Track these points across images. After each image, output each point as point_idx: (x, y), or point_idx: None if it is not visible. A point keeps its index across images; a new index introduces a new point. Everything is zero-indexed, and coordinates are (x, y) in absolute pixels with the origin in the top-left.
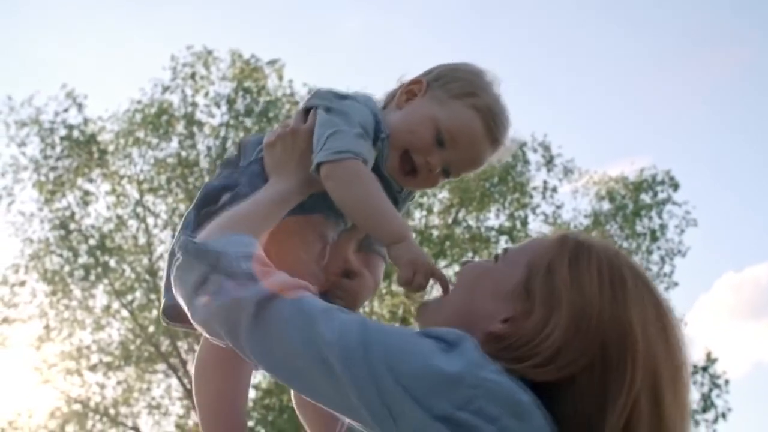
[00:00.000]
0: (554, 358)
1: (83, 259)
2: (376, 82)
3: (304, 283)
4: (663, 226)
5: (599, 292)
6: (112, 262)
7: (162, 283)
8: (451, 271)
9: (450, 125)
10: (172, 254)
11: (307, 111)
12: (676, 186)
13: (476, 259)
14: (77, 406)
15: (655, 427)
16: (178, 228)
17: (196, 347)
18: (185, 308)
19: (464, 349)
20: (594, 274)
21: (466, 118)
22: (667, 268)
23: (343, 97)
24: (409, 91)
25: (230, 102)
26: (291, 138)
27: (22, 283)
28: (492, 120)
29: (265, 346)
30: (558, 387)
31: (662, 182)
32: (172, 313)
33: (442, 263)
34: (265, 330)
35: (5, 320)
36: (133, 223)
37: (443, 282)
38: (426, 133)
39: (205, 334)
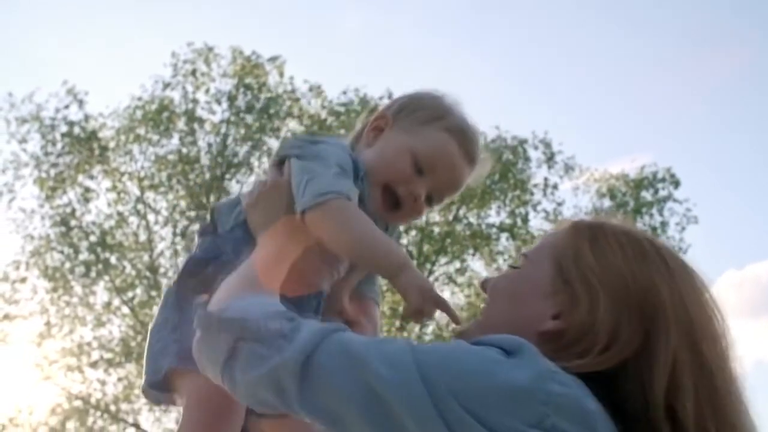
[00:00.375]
0: (613, 341)
1: (84, 255)
2: (377, 80)
3: (337, 325)
4: (664, 224)
5: (625, 264)
6: (113, 259)
7: (149, 350)
8: (452, 268)
9: (426, 152)
10: (155, 330)
11: (281, 162)
12: (677, 183)
13: (477, 256)
14: (78, 403)
15: (699, 376)
16: (161, 302)
17: None
18: (221, 384)
19: (527, 357)
20: (616, 250)
21: (440, 142)
22: None
23: (314, 141)
24: (376, 127)
25: (231, 99)
26: (271, 193)
27: (23, 280)
28: (465, 139)
29: (319, 403)
30: (614, 374)
31: (663, 180)
32: (158, 388)
33: (442, 260)
34: (315, 388)
35: (6, 317)
36: (133, 220)
37: (450, 311)
38: (404, 163)
39: (251, 405)
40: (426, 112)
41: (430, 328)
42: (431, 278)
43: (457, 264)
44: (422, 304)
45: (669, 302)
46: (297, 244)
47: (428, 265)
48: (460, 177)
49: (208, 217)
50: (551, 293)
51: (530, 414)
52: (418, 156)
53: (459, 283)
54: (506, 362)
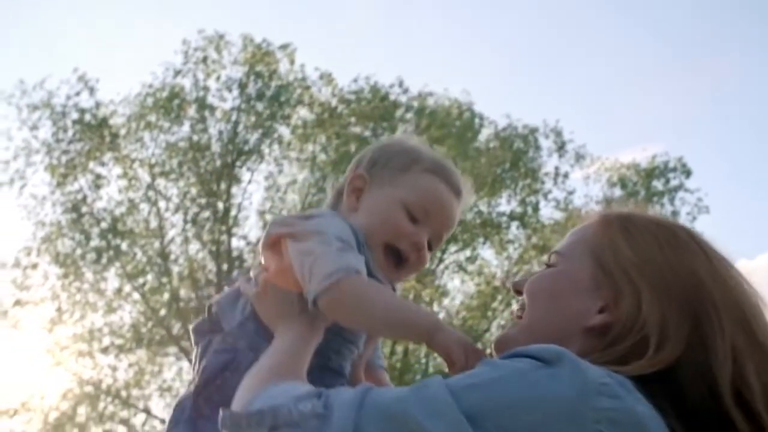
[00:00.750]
0: (664, 335)
1: (95, 242)
2: (386, 68)
3: (364, 387)
4: (675, 213)
5: (661, 254)
6: (124, 246)
7: None
8: (462, 256)
9: (416, 199)
10: None
11: (275, 243)
12: (688, 173)
13: (487, 244)
14: (89, 388)
15: (758, 355)
16: (170, 416)
17: None
18: None
19: (568, 368)
20: (650, 240)
21: (426, 185)
22: None
23: (305, 217)
24: (355, 189)
25: (242, 86)
26: (278, 280)
27: (35, 266)
28: (447, 174)
29: None
30: (667, 373)
31: (674, 169)
32: None
33: (453, 248)
34: None
35: (18, 303)
36: (144, 207)
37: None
38: (399, 217)
39: None
40: (400, 159)
41: (440, 316)
42: (441, 266)
43: (468, 252)
44: (467, 359)
45: (713, 287)
46: (316, 329)
47: (438, 254)
48: (454, 213)
49: (206, 313)
50: (594, 288)
51: None
52: (410, 205)
53: (469, 272)
54: (547, 379)
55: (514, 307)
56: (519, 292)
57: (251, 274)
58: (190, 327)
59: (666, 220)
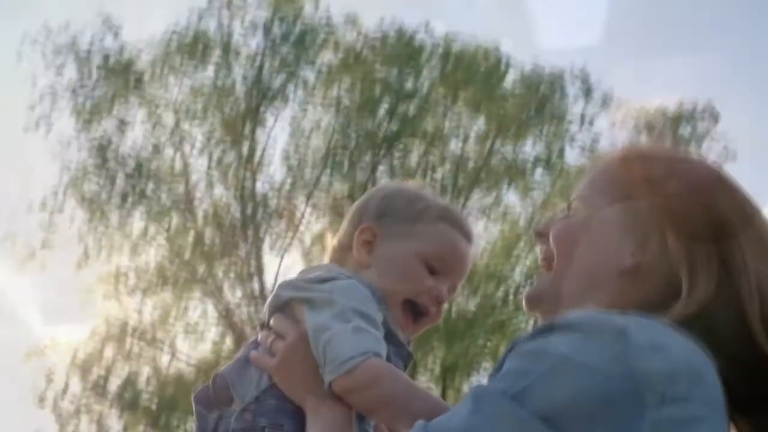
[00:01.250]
0: (694, 274)
1: (120, 185)
2: (413, 10)
3: (419, 425)
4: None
5: (680, 187)
6: (149, 188)
7: None
8: (486, 201)
9: (434, 250)
10: None
11: (285, 306)
12: (716, 118)
13: (512, 189)
14: (115, 328)
15: None
16: None
17: (232, 273)
18: None
19: (610, 337)
20: (668, 175)
21: (440, 233)
22: None
23: (321, 281)
24: (365, 243)
25: (266, 29)
26: (298, 347)
27: (61, 209)
28: (458, 221)
29: None
30: (701, 314)
31: (702, 114)
32: None
33: (477, 192)
34: None
35: (45, 244)
36: (169, 150)
37: None
38: (418, 272)
39: None
40: (409, 208)
41: None
42: (465, 211)
43: (492, 196)
44: None
45: (735, 221)
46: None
47: (462, 199)
48: (469, 260)
49: (210, 387)
50: (624, 229)
51: (653, 397)
52: (429, 258)
53: (493, 216)
54: (595, 357)
55: (540, 256)
56: (541, 237)
57: (259, 338)
58: (192, 395)
59: (686, 155)
